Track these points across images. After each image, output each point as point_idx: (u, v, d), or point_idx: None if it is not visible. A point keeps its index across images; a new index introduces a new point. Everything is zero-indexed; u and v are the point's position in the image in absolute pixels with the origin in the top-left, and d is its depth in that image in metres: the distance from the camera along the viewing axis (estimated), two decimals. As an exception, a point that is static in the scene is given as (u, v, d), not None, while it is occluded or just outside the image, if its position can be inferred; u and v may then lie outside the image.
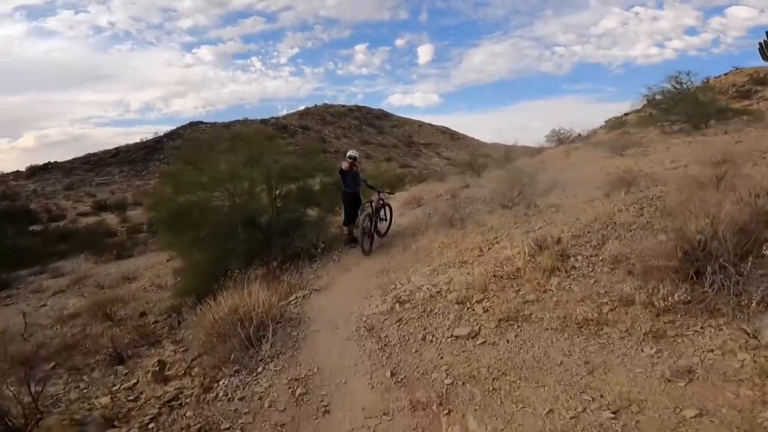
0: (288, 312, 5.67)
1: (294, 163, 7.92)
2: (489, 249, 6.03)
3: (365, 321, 5.00)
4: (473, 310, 4.60)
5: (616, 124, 27.28)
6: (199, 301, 6.20)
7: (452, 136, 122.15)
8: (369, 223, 7.49)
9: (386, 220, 8.26)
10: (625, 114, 28.82)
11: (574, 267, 4.82)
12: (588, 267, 4.78)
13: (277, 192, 7.73)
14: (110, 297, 9.31)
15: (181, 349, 6.07)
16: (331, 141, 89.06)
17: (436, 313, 4.73)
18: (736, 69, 29.78)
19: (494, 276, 5.03)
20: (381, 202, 7.99)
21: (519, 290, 4.72)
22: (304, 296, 6.20)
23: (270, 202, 7.63)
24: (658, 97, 18.15)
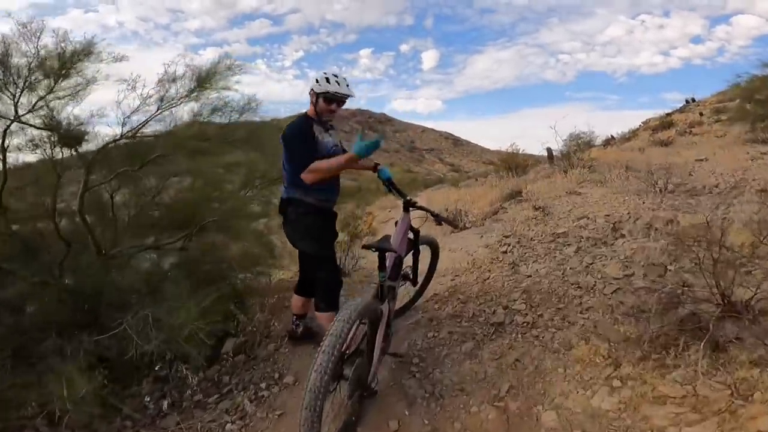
0: None
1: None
2: None
3: None
4: None
5: (663, 123, 22.59)
6: None
7: (455, 142, 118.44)
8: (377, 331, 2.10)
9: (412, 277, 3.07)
10: (667, 114, 24.40)
11: None
12: None
13: (111, 195, 2.91)
14: None
15: None
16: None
17: None
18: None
19: None
20: (414, 235, 2.78)
21: None
22: None
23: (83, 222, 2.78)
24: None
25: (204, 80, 2.76)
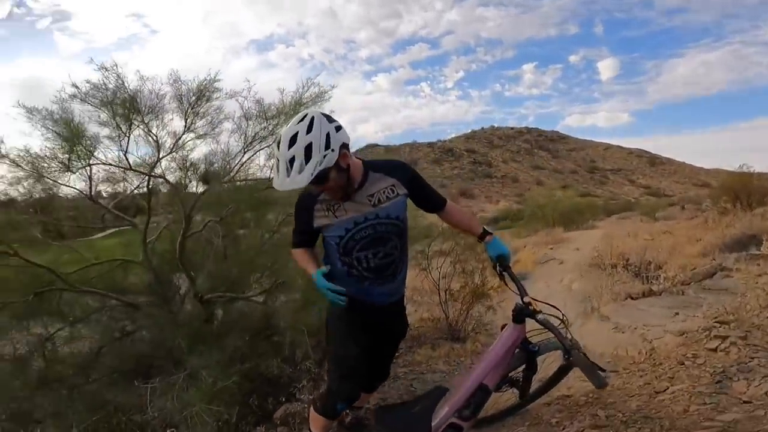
0: None
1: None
2: None
3: None
4: None
5: None
6: None
7: (651, 161, 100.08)
8: None
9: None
10: None
11: None
12: None
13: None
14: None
15: None
16: (498, 165, 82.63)
17: None
18: None
19: None
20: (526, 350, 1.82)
21: None
22: None
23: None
24: None
25: (289, 113, 2.46)
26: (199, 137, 2.99)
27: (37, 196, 2.75)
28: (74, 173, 2.42)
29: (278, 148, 1.43)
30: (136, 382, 2.51)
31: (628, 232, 9.09)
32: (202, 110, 2.91)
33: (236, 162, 2.90)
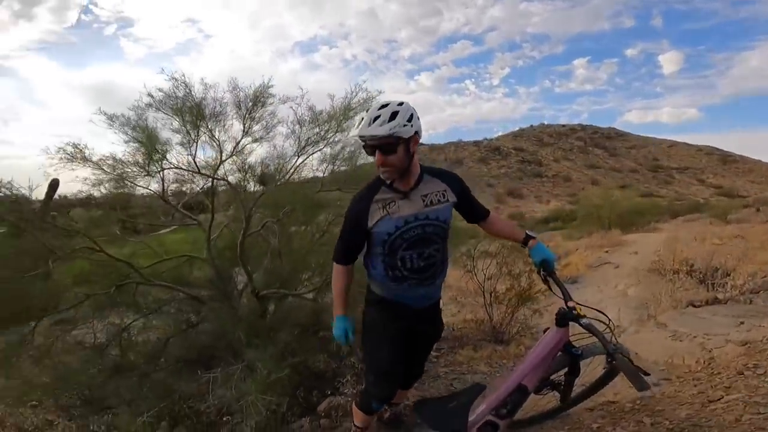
0: None
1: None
2: None
3: None
4: None
5: None
6: None
7: (723, 159, 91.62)
8: None
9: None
10: None
11: None
12: None
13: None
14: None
15: None
16: (549, 164, 79.30)
17: None
18: None
19: None
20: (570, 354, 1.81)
21: None
22: None
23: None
24: None
25: (339, 118, 2.55)
26: (255, 141, 3.17)
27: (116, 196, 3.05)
28: (152, 177, 2.68)
29: (367, 111, 1.59)
30: (199, 371, 2.70)
31: (694, 235, 8.42)
32: (257, 115, 3.08)
33: (291, 165, 3.04)
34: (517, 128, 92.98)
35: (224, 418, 2.60)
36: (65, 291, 2.58)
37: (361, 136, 1.57)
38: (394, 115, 1.54)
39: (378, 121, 1.53)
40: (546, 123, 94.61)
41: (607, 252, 8.54)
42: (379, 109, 1.56)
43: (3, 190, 2.22)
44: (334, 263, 1.80)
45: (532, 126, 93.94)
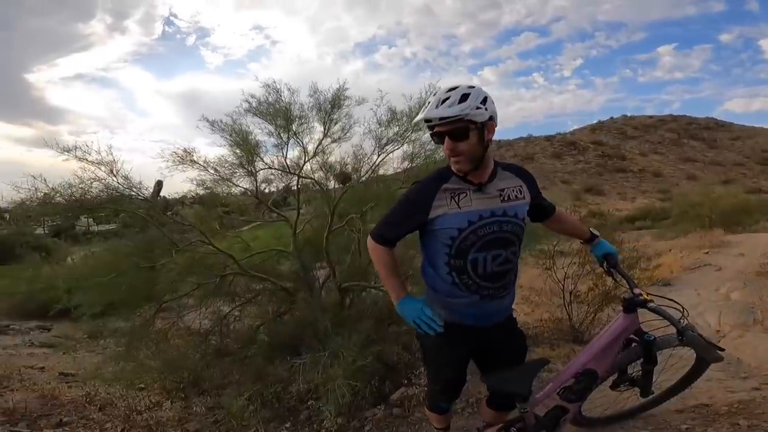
0: None
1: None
2: None
3: None
4: None
5: None
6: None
7: None
8: None
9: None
10: None
11: None
12: None
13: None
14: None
15: None
16: (634, 158, 72.65)
17: None
18: None
19: None
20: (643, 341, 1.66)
21: None
22: None
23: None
24: None
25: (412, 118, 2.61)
26: (334, 141, 3.36)
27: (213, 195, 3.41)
28: (254, 177, 2.97)
29: (435, 94, 1.41)
30: (289, 357, 2.93)
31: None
32: (335, 117, 3.26)
33: (371, 163, 3.19)
34: (596, 121, 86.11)
35: (309, 402, 2.79)
36: (181, 280, 2.90)
37: (427, 120, 1.38)
38: (465, 97, 1.33)
39: (447, 103, 1.34)
40: (629, 115, 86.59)
41: (707, 253, 7.65)
42: (448, 91, 1.36)
43: (134, 190, 2.61)
44: (373, 243, 1.56)
45: (612, 118, 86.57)
